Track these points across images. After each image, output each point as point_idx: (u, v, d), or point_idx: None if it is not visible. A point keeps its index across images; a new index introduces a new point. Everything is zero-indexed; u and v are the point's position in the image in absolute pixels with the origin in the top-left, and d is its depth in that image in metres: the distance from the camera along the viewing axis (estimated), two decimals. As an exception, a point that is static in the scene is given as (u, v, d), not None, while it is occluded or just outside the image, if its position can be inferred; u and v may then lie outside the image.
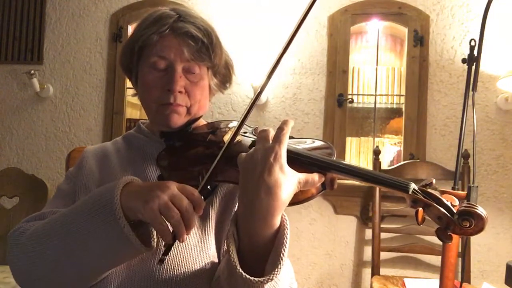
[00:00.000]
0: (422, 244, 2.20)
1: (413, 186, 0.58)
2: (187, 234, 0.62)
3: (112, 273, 0.72)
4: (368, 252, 2.37)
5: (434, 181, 0.59)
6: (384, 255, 2.22)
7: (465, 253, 1.69)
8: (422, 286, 1.90)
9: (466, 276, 2.06)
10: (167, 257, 0.63)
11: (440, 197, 0.57)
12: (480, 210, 0.54)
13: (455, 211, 0.55)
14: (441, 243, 1.34)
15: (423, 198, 0.57)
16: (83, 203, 0.69)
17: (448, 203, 0.56)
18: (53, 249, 0.67)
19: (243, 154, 0.62)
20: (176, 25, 0.81)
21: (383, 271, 2.19)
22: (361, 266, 2.39)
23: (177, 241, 0.62)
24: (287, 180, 0.58)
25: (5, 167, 2.44)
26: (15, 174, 2.28)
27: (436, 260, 2.25)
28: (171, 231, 0.62)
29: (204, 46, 0.82)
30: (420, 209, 0.57)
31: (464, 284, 1.92)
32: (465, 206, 0.54)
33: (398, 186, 0.58)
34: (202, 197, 0.65)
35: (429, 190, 0.58)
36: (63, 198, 0.84)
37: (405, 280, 1.97)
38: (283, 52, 0.67)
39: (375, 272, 2.13)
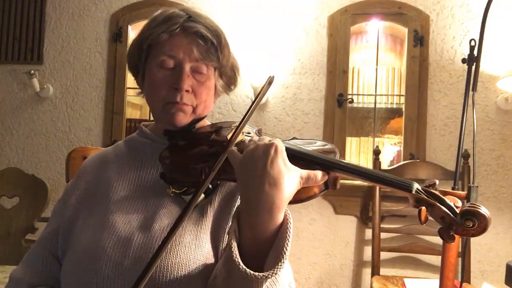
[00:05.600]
0: (422, 244, 2.20)
1: (416, 186, 0.58)
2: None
3: (102, 268, 0.71)
4: (368, 252, 2.37)
5: (437, 182, 0.60)
6: (384, 255, 2.22)
7: (465, 253, 1.69)
8: (422, 286, 1.90)
9: (466, 276, 2.06)
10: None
11: (443, 197, 0.57)
12: (484, 210, 0.53)
13: (457, 211, 0.55)
14: (441, 243, 1.35)
15: (426, 198, 0.57)
16: None
17: (451, 204, 0.56)
18: None
19: (239, 154, 0.62)
20: (186, 24, 0.81)
21: (383, 271, 2.19)
22: (361, 266, 2.39)
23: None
24: (290, 172, 0.59)
25: (5, 167, 2.44)
26: (15, 174, 2.28)
27: (436, 260, 2.25)
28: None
29: (213, 47, 0.83)
30: (423, 208, 0.57)
31: (464, 284, 1.92)
32: (468, 206, 0.55)
33: (402, 186, 0.59)
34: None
35: (432, 190, 0.58)
36: (56, 219, 0.86)
37: (405, 280, 1.97)
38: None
39: (375, 272, 2.13)
